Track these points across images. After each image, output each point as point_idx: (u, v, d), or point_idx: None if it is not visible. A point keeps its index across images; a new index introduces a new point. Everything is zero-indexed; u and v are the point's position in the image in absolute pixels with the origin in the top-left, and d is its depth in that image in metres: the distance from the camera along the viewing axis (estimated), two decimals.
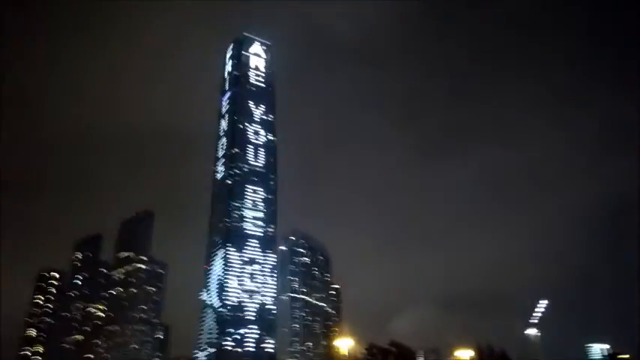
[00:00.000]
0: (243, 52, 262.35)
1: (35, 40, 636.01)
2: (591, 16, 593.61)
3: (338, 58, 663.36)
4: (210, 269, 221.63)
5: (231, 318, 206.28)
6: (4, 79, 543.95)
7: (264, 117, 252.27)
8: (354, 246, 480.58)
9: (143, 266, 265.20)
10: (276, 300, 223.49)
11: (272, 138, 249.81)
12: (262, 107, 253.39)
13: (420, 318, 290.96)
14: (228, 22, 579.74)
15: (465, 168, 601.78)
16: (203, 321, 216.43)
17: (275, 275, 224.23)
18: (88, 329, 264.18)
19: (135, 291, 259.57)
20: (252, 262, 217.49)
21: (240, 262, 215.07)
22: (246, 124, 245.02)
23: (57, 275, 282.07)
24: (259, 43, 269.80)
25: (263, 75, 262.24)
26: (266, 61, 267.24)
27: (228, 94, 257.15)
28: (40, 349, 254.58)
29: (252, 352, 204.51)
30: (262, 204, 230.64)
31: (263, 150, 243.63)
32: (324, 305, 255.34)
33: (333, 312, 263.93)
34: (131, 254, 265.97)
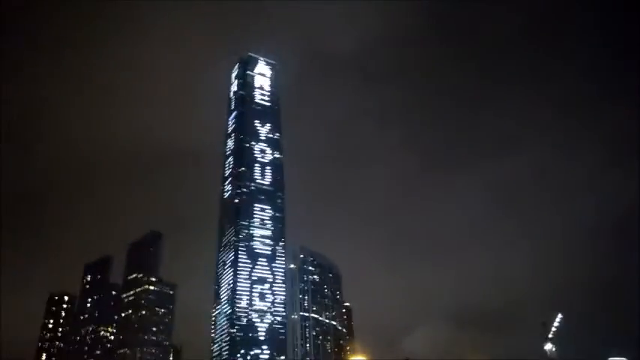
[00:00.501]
0: (248, 72, 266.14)
1: (38, 57, 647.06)
2: (597, 20, 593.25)
3: (342, 73, 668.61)
4: (220, 289, 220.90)
5: (242, 338, 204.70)
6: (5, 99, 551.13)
7: (270, 135, 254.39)
8: (363, 263, 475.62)
9: (152, 287, 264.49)
10: (287, 319, 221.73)
11: (278, 156, 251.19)
12: (268, 126, 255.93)
13: (432, 334, 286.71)
14: (234, 41, 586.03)
15: (472, 181, 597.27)
16: (214, 342, 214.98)
17: (285, 294, 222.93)
18: (99, 353, 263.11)
19: (145, 313, 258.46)
20: (261, 281, 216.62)
21: (250, 282, 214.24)
22: (253, 143, 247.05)
23: (67, 298, 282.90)
24: (264, 62, 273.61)
25: (268, 94, 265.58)
26: (271, 79, 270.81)
27: (234, 114, 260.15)
28: None
29: None
30: (270, 222, 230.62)
31: (270, 168, 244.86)
32: (335, 324, 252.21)
33: (344, 330, 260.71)
34: (140, 276, 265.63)
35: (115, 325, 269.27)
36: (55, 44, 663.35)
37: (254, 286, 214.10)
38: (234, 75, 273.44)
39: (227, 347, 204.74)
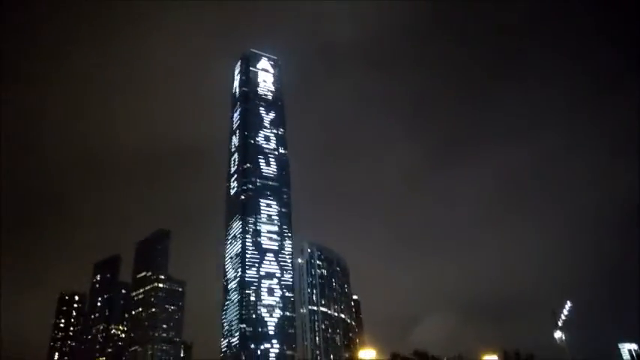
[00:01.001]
0: (251, 69, 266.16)
1: (39, 57, 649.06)
2: (599, 17, 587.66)
3: (345, 67, 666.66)
4: (228, 285, 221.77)
5: (252, 333, 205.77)
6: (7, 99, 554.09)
7: (275, 131, 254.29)
8: (371, 255, 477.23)
9: (162, 285, 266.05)
10: (296, 313, 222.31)
11: (283, 151, 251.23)
12: (272, 121, 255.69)
13: (441, 325, 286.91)
14: (236, 38, 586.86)
15: (480, 171, 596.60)
16: (224, 337, 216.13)
17: (293, 288, 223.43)
18: (111, 351, 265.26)
19: (155, 310, 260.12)
20: (269, 276, 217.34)
21: (258, 277, 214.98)
22: (257, 139, 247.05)
23: (77, 298, 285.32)
24: (266, 59, 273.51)
25: (271, 90, 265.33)
26: (274, 75, 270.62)
27: (238, 111, 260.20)
28: None
29: None
30: (277, 217, 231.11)
31: (275, 163, 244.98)
32: (344, 317, 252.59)
33: (353, 323, 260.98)
34: (149, 274, 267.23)
35: (125, 323, 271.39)
36: (56, 44, 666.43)
37: (262, 281, 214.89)
38: (237, 72, 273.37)
39: (237, 342, 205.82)
